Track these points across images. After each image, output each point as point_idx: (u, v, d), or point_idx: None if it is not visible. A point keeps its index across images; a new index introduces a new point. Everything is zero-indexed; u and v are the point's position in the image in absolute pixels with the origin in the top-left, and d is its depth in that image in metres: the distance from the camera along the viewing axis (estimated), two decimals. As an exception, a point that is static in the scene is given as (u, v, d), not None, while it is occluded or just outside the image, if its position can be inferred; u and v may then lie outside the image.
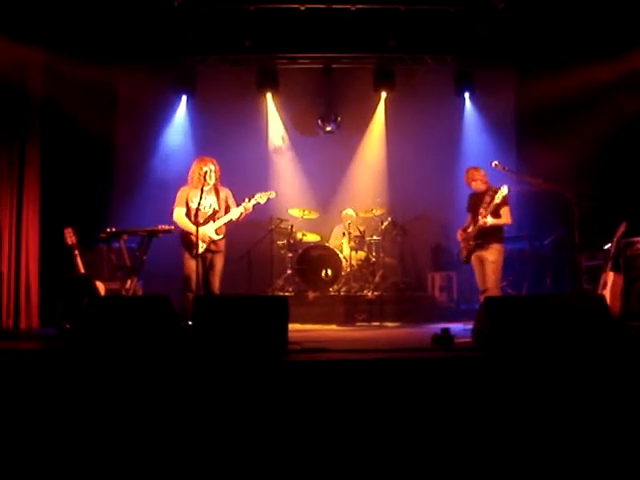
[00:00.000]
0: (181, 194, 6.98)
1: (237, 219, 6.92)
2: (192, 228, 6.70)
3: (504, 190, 7.01)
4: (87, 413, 4.08)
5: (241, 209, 6.90)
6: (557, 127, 9.39)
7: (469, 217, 7.50)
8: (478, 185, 7.36)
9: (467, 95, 10.57)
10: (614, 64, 8.34)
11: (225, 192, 7.04)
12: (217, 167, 6.95)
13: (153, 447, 3.98)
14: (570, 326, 5.06)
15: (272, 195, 7.16)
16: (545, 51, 9.37)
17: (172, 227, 6.97)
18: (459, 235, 7.47)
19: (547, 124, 9.69)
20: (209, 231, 6.82)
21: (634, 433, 4.06)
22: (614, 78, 8.44)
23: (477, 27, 9.06)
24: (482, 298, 6.98)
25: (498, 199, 7.01)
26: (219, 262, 6.93)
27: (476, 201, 7.37)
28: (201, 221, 6.75)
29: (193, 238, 6.66)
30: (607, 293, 7.14)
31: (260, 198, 7.01)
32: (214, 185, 6.94)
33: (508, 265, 9.28)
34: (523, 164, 9.08)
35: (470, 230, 7.31)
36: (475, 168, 7.47)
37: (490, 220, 7.07)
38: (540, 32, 9.09)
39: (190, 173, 6.98)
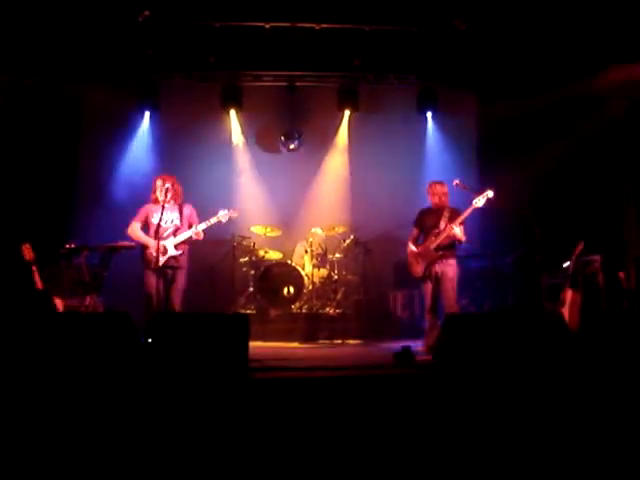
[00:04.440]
0: (142, 210, 7.06)
1: (198, 236, 6.92)
2: (148, 241, 6.81)
3: (489, 193, 6.98)
4: (41, 433, 4.00)
5: (203, 226, 6.92)
6: (518, 148, 9.54)
7: (415, 231, 7.35)
8: (435, 200, 7.23)
9: (430, 115, 10.63)
10: (572, 89, 8.56)
11: (189, 210, 7.06)
12: (177, 184, 7.04)
13: (111, 466, 3.91)
14: (529, 343, 5.13)
15: (234, 215, 7.19)
16: (506, 73, 9.53)
17: (133, 244, 7.01)
18: (413, 248, 7.21)
19: (508, 145, 9.82)
20: (168, 246, 6.80)
21: (594, 446, 4.11)
22: (572, 102, 8.68)
23: (441, 48, 9.17)
24: (430, 317, 7.08)
25: (479, 202, 6.92)
26: (180, 279, 6.91)
27: (429, 216, 7.24)
28: (163, 235, 6.83)
29: (150, 252, 6.76)
30: (566, 310, 7.26)
31: (223, 217, 7.04)
32: (177, 202, 6.97)
33: (470, 283, 9.42)
34: (484, 183, 9.13)
35: (429, 242, 7.06)
36: (440, 183, 7.34)
37: (458, 230, 6.89)
38: (501, 55, 9.26)
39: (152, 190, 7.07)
